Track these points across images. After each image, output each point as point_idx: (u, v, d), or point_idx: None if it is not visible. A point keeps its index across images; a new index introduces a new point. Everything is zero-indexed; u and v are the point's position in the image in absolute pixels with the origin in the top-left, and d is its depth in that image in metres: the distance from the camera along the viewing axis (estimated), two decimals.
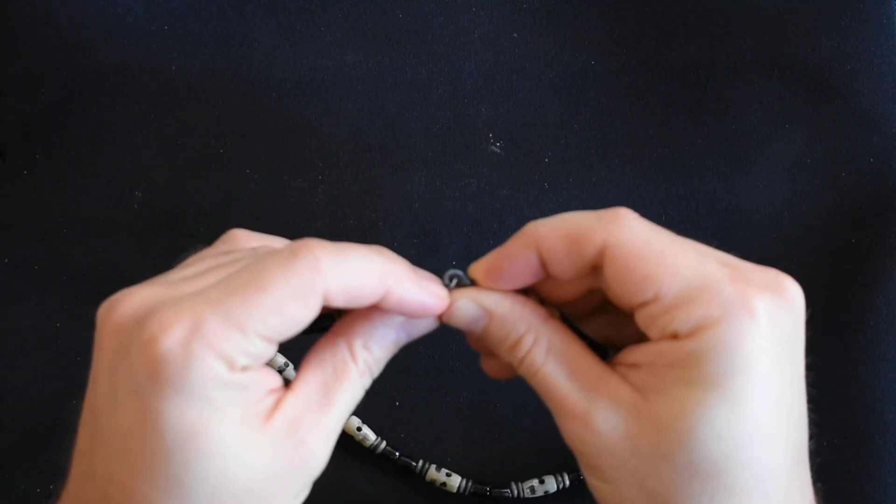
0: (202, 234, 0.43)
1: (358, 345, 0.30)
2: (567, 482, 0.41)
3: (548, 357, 0.30)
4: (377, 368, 0.31)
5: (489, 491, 0.40)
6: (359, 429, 0.42)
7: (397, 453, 0.41)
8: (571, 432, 0.30)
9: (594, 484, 0.30)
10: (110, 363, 0.26)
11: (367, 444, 0.41)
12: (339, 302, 0.27)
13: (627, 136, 0.43)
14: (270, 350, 0.27)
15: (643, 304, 0.28)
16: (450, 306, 0.30)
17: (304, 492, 0.29)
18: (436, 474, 0.41)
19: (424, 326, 0.32)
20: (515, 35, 0.44)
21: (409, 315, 0.30)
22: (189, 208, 0.43)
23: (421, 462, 0.41)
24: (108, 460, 0.27)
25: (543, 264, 0.29)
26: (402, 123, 0.44)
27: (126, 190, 0.43)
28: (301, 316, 0.26)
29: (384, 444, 0.41)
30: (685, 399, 0.28)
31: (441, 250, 0.43)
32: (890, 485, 0.42)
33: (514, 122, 0.43)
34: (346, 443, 0.42)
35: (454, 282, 0.30)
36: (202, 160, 0.43)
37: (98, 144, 0.43)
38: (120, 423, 0.26)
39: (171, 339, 0.25)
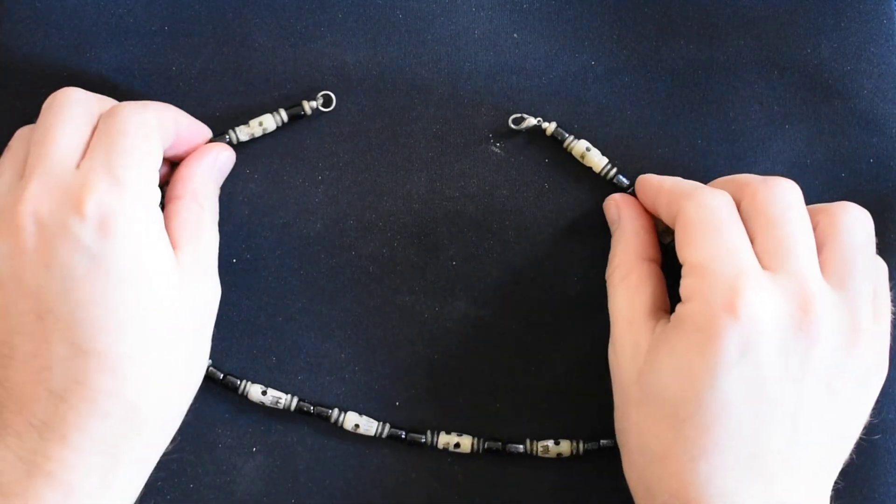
0: None
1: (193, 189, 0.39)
2: (581, 449, 0.41)
3: (625, 287, 0.39)
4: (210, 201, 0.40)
5: (503, 446, 0.41)
6: (356, 425, 0.42)
7: (403, 433, 0.42)
8: (611, 352, 0.39)
9: (619, 406, 0.38)
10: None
11: (372, 434, 0.42)
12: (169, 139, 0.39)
13: (627, 136, 0.43)
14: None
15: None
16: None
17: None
18: (447, 437, 0.41)
19: (227, 161, 0.42)
20: (515, 35, 0.44)
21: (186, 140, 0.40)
22: None
23: (429, 433, 0.42)
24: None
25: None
26: (402, 123, 0.44)
27: None
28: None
29: (388, 427, 0.42)
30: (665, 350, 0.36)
31: (441, 250, 0.43)
32: (890, 485, 0.42)
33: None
34: (353, 438, 0.42)
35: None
36: None
37: None
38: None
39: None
